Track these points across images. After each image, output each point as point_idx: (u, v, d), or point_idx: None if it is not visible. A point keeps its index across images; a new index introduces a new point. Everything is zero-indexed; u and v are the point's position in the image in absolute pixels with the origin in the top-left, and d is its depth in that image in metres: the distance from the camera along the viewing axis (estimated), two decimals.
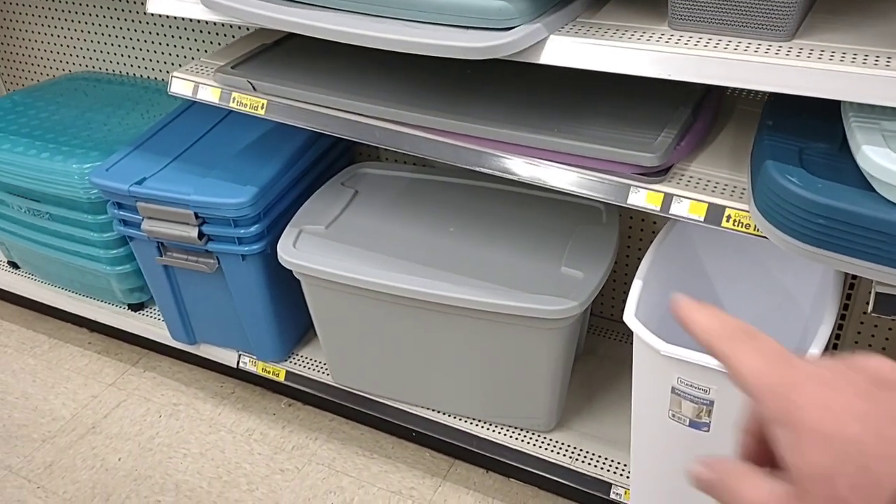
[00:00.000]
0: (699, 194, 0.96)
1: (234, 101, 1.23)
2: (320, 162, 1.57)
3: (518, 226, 1.37)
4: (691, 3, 0.88)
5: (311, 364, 1.59)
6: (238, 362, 1.62)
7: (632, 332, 1.00)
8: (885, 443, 0.31)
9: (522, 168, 1.06)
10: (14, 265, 1.92)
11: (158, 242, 1.46)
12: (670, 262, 1.16)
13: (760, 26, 0.86)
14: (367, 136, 1.15)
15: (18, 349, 1.89)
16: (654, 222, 1.48)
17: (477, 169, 1.09)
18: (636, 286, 1.05)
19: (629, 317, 1.01)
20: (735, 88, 1.25)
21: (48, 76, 2.09)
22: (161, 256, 1.48)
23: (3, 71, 2.18)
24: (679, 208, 0.97)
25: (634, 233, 1.52)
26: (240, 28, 1.68)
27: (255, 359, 1.60)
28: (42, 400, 1.75)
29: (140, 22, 1.84)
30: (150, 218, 1.41)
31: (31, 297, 1.89)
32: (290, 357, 1.61)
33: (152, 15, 1.81)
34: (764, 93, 1.20)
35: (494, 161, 1.07)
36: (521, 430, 1.41)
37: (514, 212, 1.41)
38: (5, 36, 2.09)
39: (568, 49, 0.92)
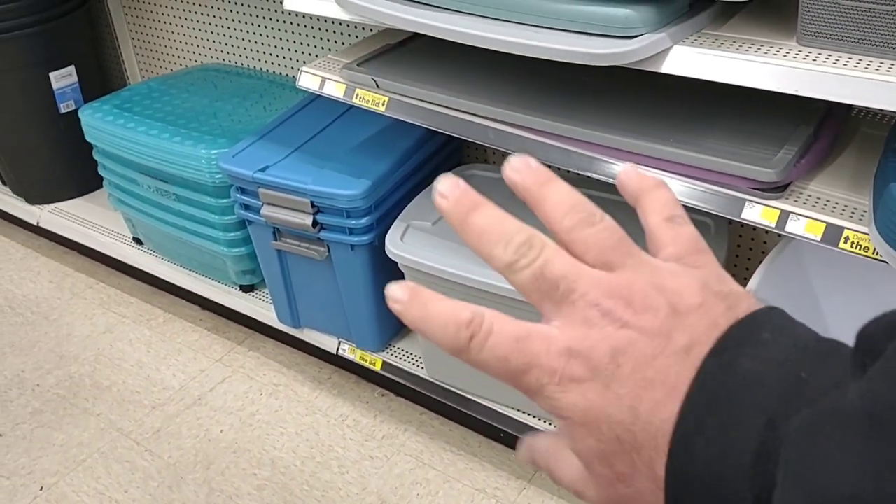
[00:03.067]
0: (817, 213, 0.95)
1: (356, 97, 1.29)
2: (431, 161, 1.61)
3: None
4: (822, 18, 0.87)
5: (407, 357, 1.63)
6: (338, 349, 1.69)
7: None
8: (638, 416, 0.30)
9: None
10: (138, 241, 2.05)
11: (275, 228, 1.54)
12: (780, 282, 1.14)
13: (894, 46, 0.84)
14: (482, 137, 1.18)
15: (136, 320, 2.02)
16: (765, 242, 1.45)
17: (587, 174, 1.10)
18: None
19: None
20: (859, 109, 1.21)
21: (182, 66, 2.23)
22: (276, 241, 1.55)
23: (141, 59, 2.34)
24: (795, 226, 0.95)
25: (742, 251, 1.49)
26: (363, 28, 1.75)
27: (354, 347, 1.66)
28: (154, 369, 1.86)
29: (269, 19, 1.94)
30: (269, 204, 1.49)
31: (150, 272, 2.01)
32: (387, 348, 1.65)
33: (282, 13, 1.90)
34: (891, 115, 1.16)
35: (605, 167, 1.08)
36: None
37: (620, 220, 1.40)
38: (144, 27, 2.25)
39: (691, 60, 0.92)
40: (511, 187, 0.36)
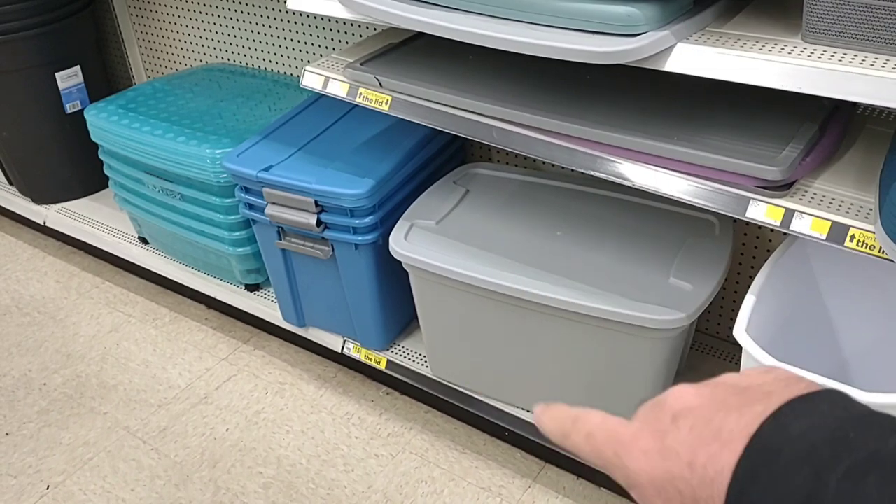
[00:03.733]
0: (823, 211, 0.94)
1: (360, 97, 1.29)
2: (435, 160, 1.61)
3: (627, 233, 1.37)
4: (828, 15, 0.86)
5: (411, 355, 1.63)
6: (343, 348, 1.69)
7: (737, 351, 0.98)
8: (695, 469, 0.34)
9: (637, 174, 1.06)
10: (144, 241, 2.05)
11: (279, 227, 1.54)
12: (786, 280, 1.14)
13: None
14: (485, 136, 1.18)
15: (142, 320, 2.03)
16: (770, 240, 1.45)
17: (590, 173, 1.10)
18: (749, 301, 1.04)
19: (739, 332, 1.00)
20: (865, 107, 1.21)
21: (186, 66, 2.23)
22: (280, 240, 1.55)
23: (146, 59, 2.34)
24: (800, 225, 0.95)
25: (747, 250, 1.49)
26: (367, 27, 1.74)
27: (359, 345, 1.66)
28: (160, 368, 1.87)
29: (273, 19, 1.94)
30: (273, 203, 1.49)
31: (156, 271, 2.02)
32: (392, 346, 1.66)
33: (286, 13, 1.90)
34: None
35: (608, 165, 1.08)
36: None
37: (623, 219, 1.41)
38: (149, 27, 2.25)
39: (695, 57, 0.92)
40: None
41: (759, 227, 1.43)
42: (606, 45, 0.93)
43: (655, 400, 0.39)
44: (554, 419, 0.42)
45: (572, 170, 1.13)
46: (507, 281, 1.27)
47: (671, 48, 0.93)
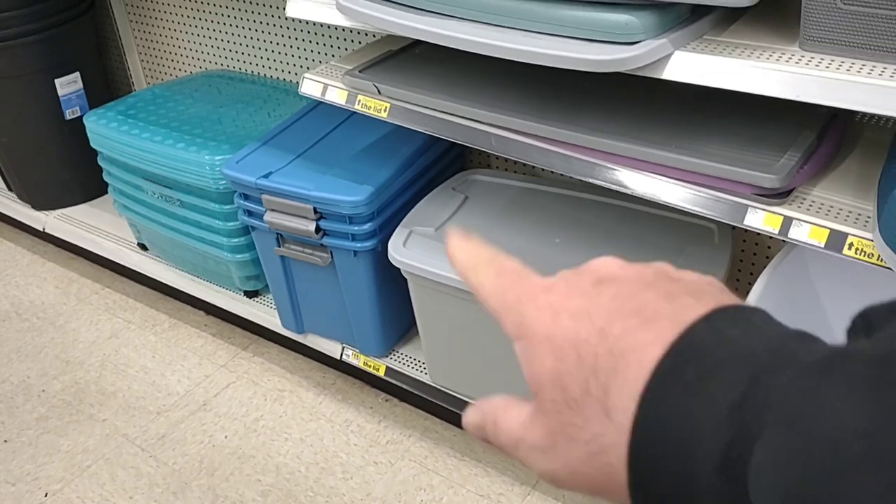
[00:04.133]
0: (821, 219, 0.94)
1: (359, 104, 1.29)
2: (433, 167, 1.61)
3: (625, 241, 1.37)
4: (825, 23, 0.86)
5: (410, 362, 1.63)
6: (341, 354, 1.69)
7: None
8: (605, 337, 0.31)
9: (635, 181, 1.06)
10: (143, 247, 2.05)
11: (278, 234, 1.54)
12: (784, 288, 1.13)
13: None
14: (483, 143, 1.18)
15: (141, 326, 2.02)
16: (769, 247, 1.45)
17: (588, 180, 1.10)
18: None
19: None
20: (864, 114, 1.21)
21: (186, 72, 2.23)
22: (279, 247, 1.55)
23: (145, 66, 2.35)
24: (798, 232, 0.95)
25: (747, 257, 1.48)
26: (366, 35, 1.75)
27: (358, 352, 1.66)
28: (159, 375, 1.86)
29: (273, 26, 1.94)
30: (272, 210, 1.49)
31: (156, 277, 2.02)
32: (390, 353, 1.65)
33: (285, 20, 1.90)
34: (895, 120, 1.15)
35: (607, 173, 1.08)
36: None
37: (622, 227, 1.40)
38: (149, 33, 2.25)
39: (692, 65, 0.92)
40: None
41: (759, 234, 1.43)
42: (604, 54, 0.93)
43: (579, 267, 0.36)
44: (466, 249, 0.38)
45: (571, 177, 1.13)
46: None
47: (669, 56, 0.93)
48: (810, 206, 0.97)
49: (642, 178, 1.05)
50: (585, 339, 0.31)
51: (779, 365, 0.27)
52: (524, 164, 1.67)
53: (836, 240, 0.92)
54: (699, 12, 0.98)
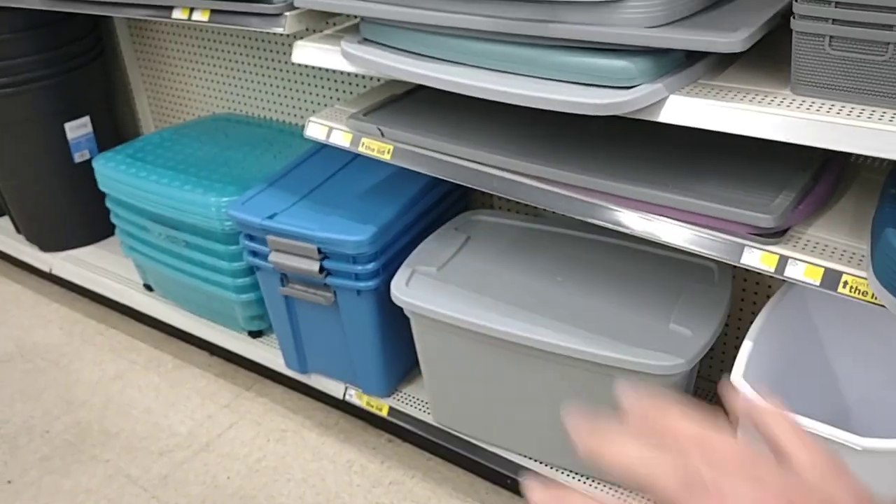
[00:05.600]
0: (816, 258, 0.96)
1: (362, 146, 1.32)
2: (436, 207, 1.63)
3: (627, 280, 1.38)
4: (815, 68, 0.89)
5: (413, 402, 1.63)
6: (344, 394, 1.69)
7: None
8: None
9: (635, 222, 1.08)
10: (148, 288, 2.07)
11: (282, 274, 1.55)
12: (783, 326, 1.14)
13: (885, 94, 0.86)
14: (486, 185, 1.20)
15: (145, 367, 2.03)
16: (769, 286, 1.46)
17: (589, 220, 1.12)
18: (746, 347, 1.05)
19: (736, 377, 1.01)
20: (859, 155, 1.23)
21: (194, 116, 2.28)
22: (283, 287, 1.57)
23: (154, 110, 2.39)
24: (794, 271, 0.96)
25: (747, 296, 1.50)
26: (370, 79, 1.79)
27: (361, 392, 1.66)
28: (162, 416, 1.86)
29: (279, 70, 1.99)
30: (277, 250, 1.51)
31: (160, 318, 2.03)
32: (394, 393, 1.66)
33: (291, 65, 1.95)
34: (889, 161, 1.17)
35: (607, 213, 1.10)
36: (622, 487, 1.40)
37: (623, 266, 1.42)
38: (158, 78, 2.30)
39: (687, 109, 0.95)
40: None
41: (758, 273, 1.44)
42: (602, 98, 0.95)
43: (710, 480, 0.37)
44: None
45: (572, 217, 1.15)
46: (508, 327, 1.28)
47: (664, 100, 0.95)
48: (805, 245, 0.99)
49: (642, 218, 1.07)
50: None
51: None
52: (526, 205, 1.69)
53: (831, 278, 0.94)
54: (694, 58, 1.01)
